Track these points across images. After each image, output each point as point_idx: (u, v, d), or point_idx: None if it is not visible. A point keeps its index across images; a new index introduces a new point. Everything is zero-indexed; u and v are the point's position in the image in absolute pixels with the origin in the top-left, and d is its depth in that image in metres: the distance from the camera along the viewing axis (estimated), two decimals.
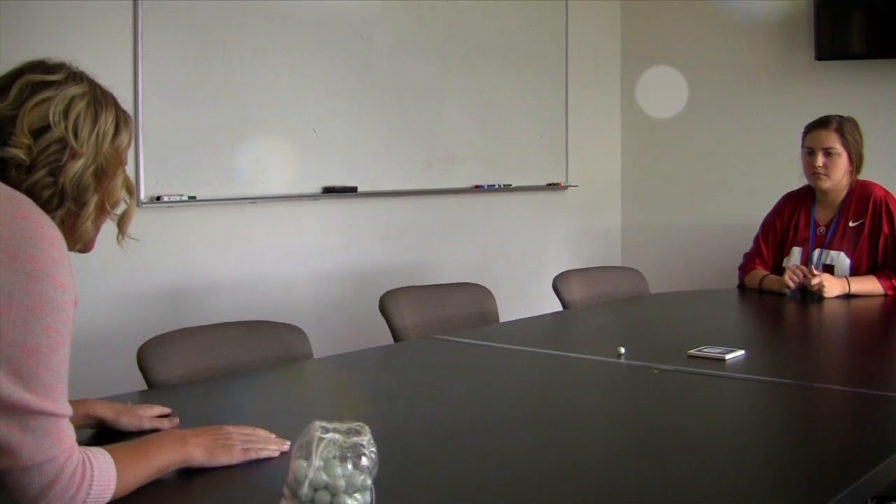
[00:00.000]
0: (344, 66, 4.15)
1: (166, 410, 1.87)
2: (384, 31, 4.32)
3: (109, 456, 1.39)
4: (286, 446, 1.62)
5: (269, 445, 1.62)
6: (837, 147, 3.58)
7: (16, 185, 1.42)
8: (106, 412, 1.78)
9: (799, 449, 1.82)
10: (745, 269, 3.83)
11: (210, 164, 3.68)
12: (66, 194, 1.47)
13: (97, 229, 1.54)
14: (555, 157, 5.29)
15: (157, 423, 1.81)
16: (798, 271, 3.54)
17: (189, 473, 1.53)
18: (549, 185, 5.26)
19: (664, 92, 5.57)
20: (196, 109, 3.64)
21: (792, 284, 3.54)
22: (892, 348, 2.96)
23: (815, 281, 3.45)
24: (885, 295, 3.49)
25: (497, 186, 4.91)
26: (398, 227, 4.51)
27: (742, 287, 3.81)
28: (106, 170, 1.52)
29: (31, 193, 1.42)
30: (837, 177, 3.60)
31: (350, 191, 4.18)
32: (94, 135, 1.49)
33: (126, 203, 1.59)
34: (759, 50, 5.20)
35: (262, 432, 1.66)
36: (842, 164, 3.59)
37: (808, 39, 4.93)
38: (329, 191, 4.10)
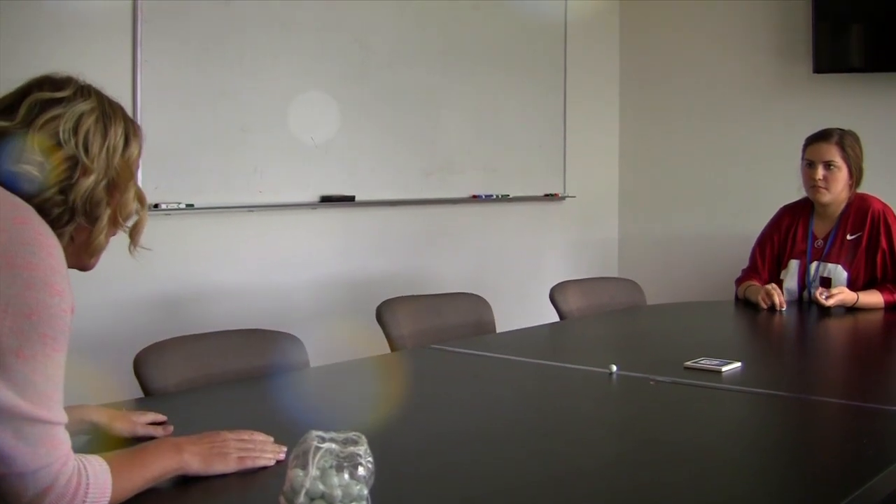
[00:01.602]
0: (342, 74, 4.16)
1: (161, 417, 1.86)
2: (383, 40, 4.32)
3: (105, 464, 1.39)
4: (282, 455, 1.62)
5: (266, 454, 1.62)
6: (838, 160, 3.58)
7: (27, 202, 1.41)
8: (100, 417, 1.77)
9: (795, 461, 1.81)
10: (739, 282, 3.83)
11: (208, 171, 3.68)
12: (77, 210, 1.46)
13: (108, 242, 1.54)
14: (553, 168, 5.30)
15: (151, 431, 1.81)
16: (768, 298, 3.55)
17: (185, 482, 1.53)
18: (547, 195, 5.27)
19: (662, 104, 5.58)
20: (194, 117, 3.64)
21: (763, 305, 3.55)
22: (888, 362, 2.96)
23: (830, 302, 3.44)
24: (886, 308, 3.49)
25: (495, 196, 4.92)
26: (396, 236, 4.51)
27: (738, 299, 3.81)
28: (118, 183, 1.51)
29: (42, 210, 1.42)
30: (837, 190, 3.61)
31: (348, 200, 4.18)
32: (105, 149, 1.49)
33: (138, 213, 1.59)
34: (758, 62, 5.22)
35: (260, 437, 1.66)
36: (842, 177, 3.59)
37: (807, 52, 4.95)
38: (327, 200, 4.10)
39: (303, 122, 3.99)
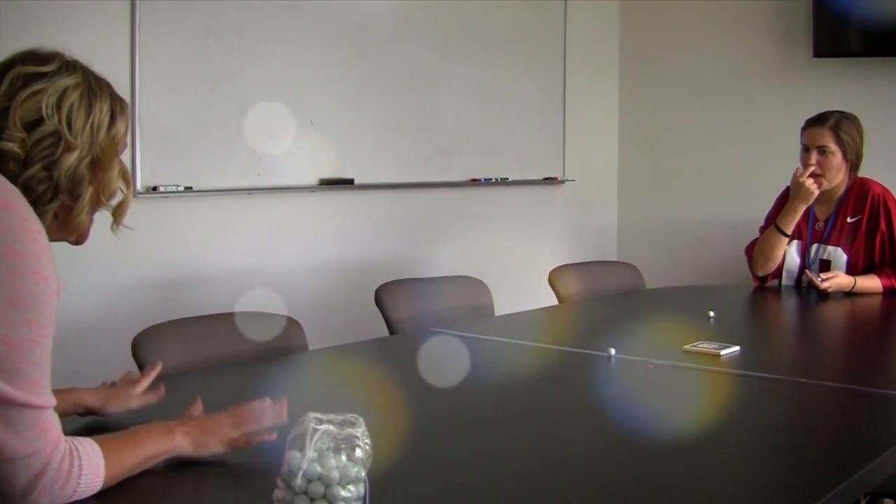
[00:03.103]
0: (342, 57, 4.14)
1: (153, 373, 1.89)
2: (383, 23, 4.31)
3: (97, 446, 1.38)
4: (273, 436, 1.58)
5: (262, 432, 1.58)
6: (831, 146, 3.58)
7: (13, 179, 1.40)
8: (93, 400, 1.78)
9: (793, 445, 1.82)
10: (750, 249, 3.80)
11: (206, 154, 3.67)
12: (61, 188, 1.45)
13: (91, 220, 1.53)
14: (552, 152, 5.29)
15: (146, 400, 1.82)
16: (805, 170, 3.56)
17: (184, 465, 1.53)
18: (546, 179, 5.26)
19: (662, 88, 5.57)
20: (193, 100, 3.63)
21: (805, 176, 3.56)
22: (886, 346, 2.96)
23: (825, 285, 3.45)
24: (885, 293, 3.49)
25: (494, 180, 4.91)
26: (394, 219, 4.51)
27: (763, 280, 3.77)
28: (102, 160, 1.50)
29: (27, 188, 1.41)
30: (831, 175, 3.60)
31: (346, 183, 4.17)
32: (89, 126, 1.47)
33: (123, 192, 1.57)
34: (758, 46, 5.20)
35: (258, 406, 1.61)
36: (835, 162, 3.59)
37: (807, 37, 4.93)
38: (325, 183, 4.09)
39: (302, 104, 3.98)
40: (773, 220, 3.80)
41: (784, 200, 3.81)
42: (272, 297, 3.79)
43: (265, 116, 3.85)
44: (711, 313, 3.01)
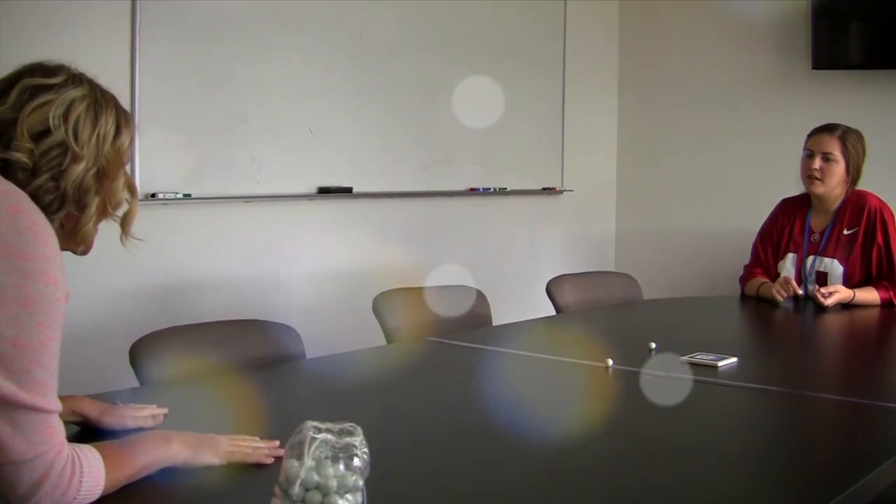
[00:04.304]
0: (341, 65, 4.15)
1: (160, 411, 1.84)
2: (382, 31, 4.32)
3: (98, 453, 1.39)
4: (271, 461, 1.58)
5: (259, 452, 1.59)
6: (836, 154, 3.59)
7: (21, 189, 1.41)
8: (91, 410, 1.77)
9: (789, 457, 1.82)
10: (744, 279, 3.83)
11: (206, 161, 3.68)
12: (67, 198, 1.46)
13: (96, 230, 1.54)
14: (551, 162, 5.30)
15: (142, 423, 1.80)
16: (787, 287, 3.55)
17: (181, 473, 1.52)
18: (545, 189, 5.27)
19: (661, 99, 5.58)
20: (192, 106, 3.63)
21: (780, 298, 3.55)
22: (884, 358, 2.96)
23: (829, 301, 3.44)
24: (882, 305, 3.50)
25: (492, 190, 4.91)
26: (393, 228, 4.51)
27: (744, 297, 3.81)
28: (107, 171, 1.51)
29: (35, 197, 1.42)
30: (832, 183, 3.61)
31: (345, 191, 4.17)
32: (95, 137, 1.49)
33: (128, 203, 1.58)
34: (757, 57, 5.21)
35: (250, 440, 1.63)
36: (838, 171, 3.60)
37: (806, 48, 4.94)
38: (324, 191, 4.10)
39: (301, 112, 3.99)
40: (766, 234, 3.81)
41: (778, 212, 3.82)
42: (270, 304, 3.80)
43: (264, 124, 3.86)
44: (653, 344, 2.71)
